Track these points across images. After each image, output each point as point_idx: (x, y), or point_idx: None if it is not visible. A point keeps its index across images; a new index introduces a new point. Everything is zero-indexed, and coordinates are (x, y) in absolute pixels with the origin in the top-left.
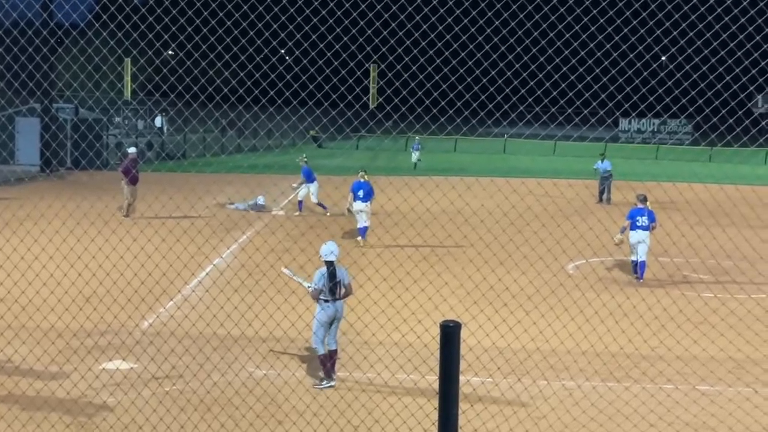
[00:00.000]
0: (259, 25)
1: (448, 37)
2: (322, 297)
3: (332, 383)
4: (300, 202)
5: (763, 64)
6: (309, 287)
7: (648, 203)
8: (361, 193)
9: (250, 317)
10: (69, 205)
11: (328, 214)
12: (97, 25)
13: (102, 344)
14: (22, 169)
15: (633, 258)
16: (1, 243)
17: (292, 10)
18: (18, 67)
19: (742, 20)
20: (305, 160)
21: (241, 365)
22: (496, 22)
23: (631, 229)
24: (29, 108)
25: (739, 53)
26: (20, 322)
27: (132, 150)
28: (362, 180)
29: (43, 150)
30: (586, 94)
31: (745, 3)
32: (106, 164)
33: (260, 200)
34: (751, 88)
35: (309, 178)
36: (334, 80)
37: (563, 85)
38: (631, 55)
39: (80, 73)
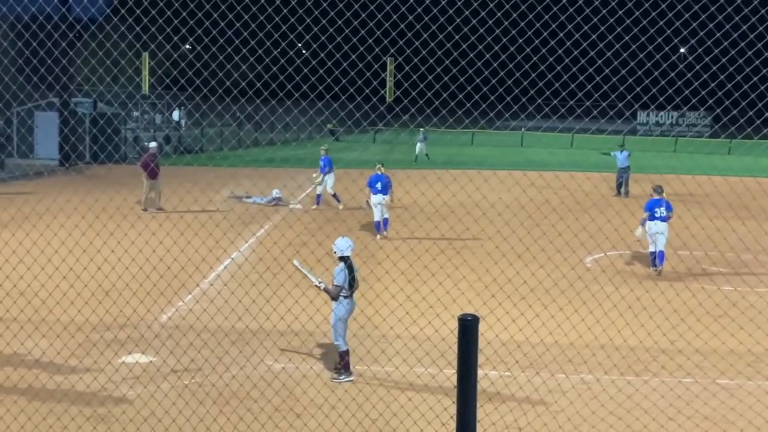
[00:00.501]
0: (277, 18)
1: (465, 29)
2: (342, 293)
3: (351, 377)
4: (318, 195)
5: None
6: (320, 284)
7: (664, 194)
8: (379, 186)
9: (269, 311)
10: (88, 199)
11: (341, 207)
12: (115, 19)
13: (121, 338)
14: (41, 163)
15: (651, 249)
16: (21, 236)
17: (309, 4)
18: (37, 61)
19: (762, 11)
20: (326, 149)
21: (259, 358)
22: (514, 15)
23: (650, 220)
24: (48, 102)
25: (759, 45)
26: (40, 316)
27: (152, 145)
28: (379, 173)
29: (61, 144)
30: (605, 87)
31: None
32: (124, 158)
33: (276, 193)
34: None
35: (330, 168)
36: (352, 73)
37: (581, 78)
38: (650, 47)
39: (98, 68)
